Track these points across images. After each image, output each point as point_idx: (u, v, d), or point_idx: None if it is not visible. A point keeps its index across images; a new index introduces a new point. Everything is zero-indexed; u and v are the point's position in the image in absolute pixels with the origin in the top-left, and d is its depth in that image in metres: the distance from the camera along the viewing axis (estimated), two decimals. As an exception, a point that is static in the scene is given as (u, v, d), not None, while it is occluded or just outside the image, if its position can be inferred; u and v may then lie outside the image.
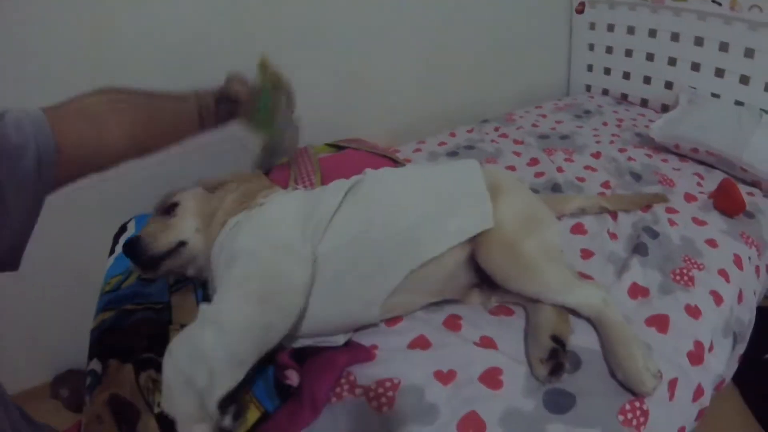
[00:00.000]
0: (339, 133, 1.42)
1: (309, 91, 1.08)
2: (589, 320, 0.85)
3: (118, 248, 1.14)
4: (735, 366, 1.10)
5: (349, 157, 1.20)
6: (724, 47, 1.70)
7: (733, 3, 1.63)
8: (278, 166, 1.11)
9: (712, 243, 1.12)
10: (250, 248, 0.77)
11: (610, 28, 2.05)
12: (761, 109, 1.59)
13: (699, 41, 1.76)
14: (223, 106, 0.89)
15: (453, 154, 1.62)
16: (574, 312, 0.85)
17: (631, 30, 1.98)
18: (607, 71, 2.15)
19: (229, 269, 0.75)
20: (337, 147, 1.25)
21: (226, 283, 0.74)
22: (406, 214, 0.86)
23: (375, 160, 1.20)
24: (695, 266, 1.04)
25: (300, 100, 1.03)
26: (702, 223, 1.19)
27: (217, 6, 1.34)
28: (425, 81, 1.88)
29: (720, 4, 1.66)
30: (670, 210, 1.23)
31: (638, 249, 1.05)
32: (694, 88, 1.78)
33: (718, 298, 0.97)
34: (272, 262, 0.75)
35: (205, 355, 0.65)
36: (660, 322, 0.87)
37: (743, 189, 1.35)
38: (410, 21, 1.73)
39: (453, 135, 1.79)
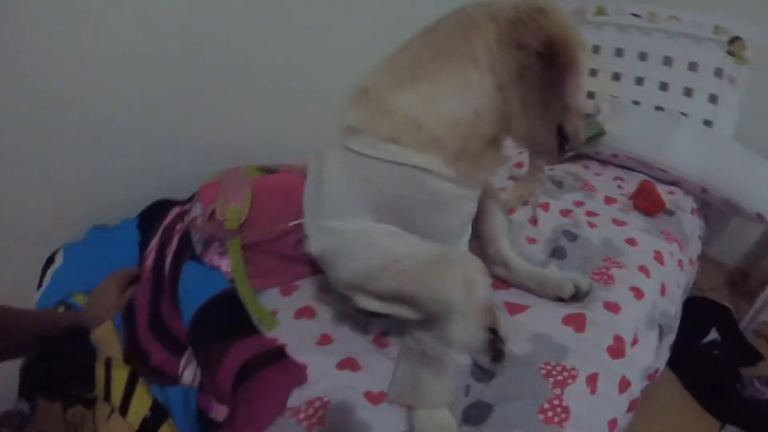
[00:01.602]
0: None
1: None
2: None
3: (46, 280, 1.09)
4: (666, 355, 1.13)
5: (281, 178, 1.20)
6: (643, 57, 1.78)
7: (653, 14, 1.73)
8: (209, 184, 1.11)
9: (631, 242, 1.16)
10: None
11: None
12: (680, 112, 1.66)
13: (619, 52, 1.85)
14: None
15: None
16: None
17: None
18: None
19: None
20: (268, 170, 1.25)
21: None
22: None
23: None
24: (615, 265, 1.07)
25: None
26: (622, 223, 1.24)
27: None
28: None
29: (639, 16, 1.76)
30: (590, 213, 1.27)
31: (556, 253, 1.08)
32: (615, 97, 1.83)
33: (638, 293, 1.00)
34: None
35: None
36: (577, 321, 0.90)
37: (664, 188, 1.42)
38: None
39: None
